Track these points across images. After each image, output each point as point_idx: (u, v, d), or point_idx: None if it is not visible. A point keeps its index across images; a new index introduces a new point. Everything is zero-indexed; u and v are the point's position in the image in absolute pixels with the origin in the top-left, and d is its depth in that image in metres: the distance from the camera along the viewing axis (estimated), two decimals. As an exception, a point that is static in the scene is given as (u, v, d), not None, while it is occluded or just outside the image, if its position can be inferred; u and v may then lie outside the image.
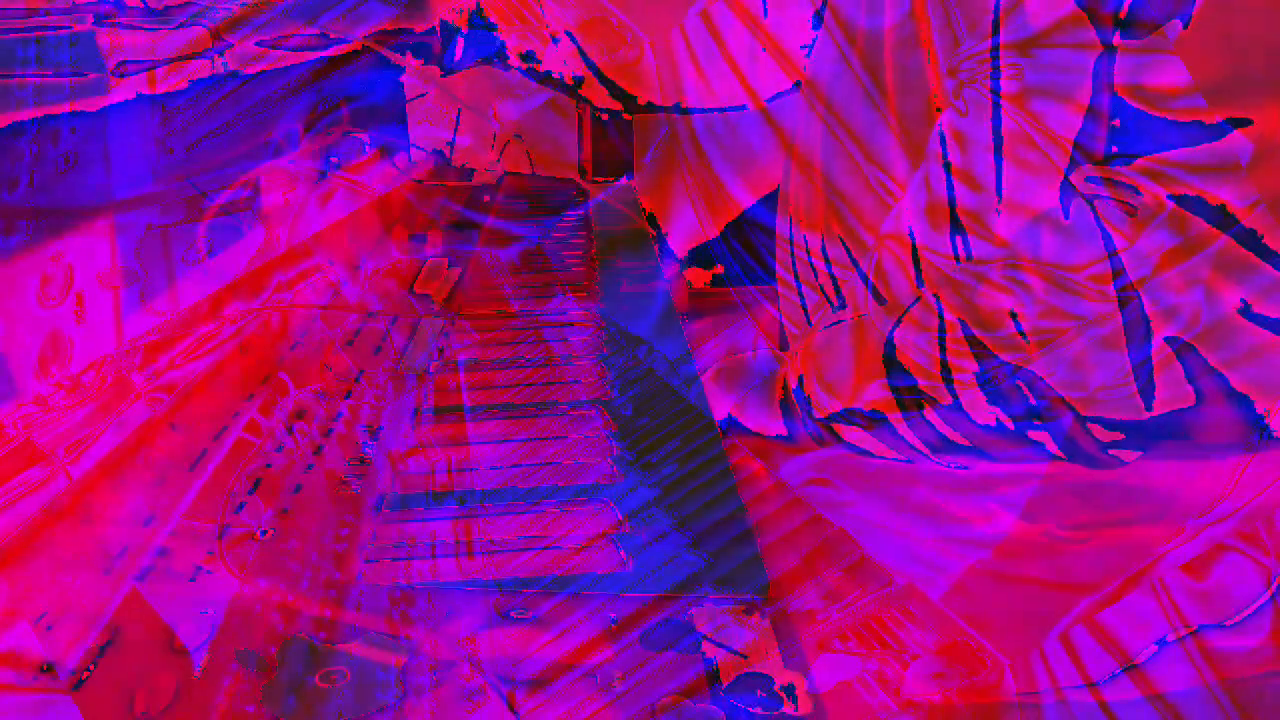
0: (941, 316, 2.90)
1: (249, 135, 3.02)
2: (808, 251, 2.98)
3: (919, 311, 2.91)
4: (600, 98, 3.02)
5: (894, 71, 2.92)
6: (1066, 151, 2.84)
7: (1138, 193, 2.82)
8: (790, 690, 2.91)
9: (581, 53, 3.00)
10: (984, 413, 2.89)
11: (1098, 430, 2.85)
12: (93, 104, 2.99)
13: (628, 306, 3.03)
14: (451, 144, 3.01)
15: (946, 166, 2.89)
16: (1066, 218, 2.85)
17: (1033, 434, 2.87)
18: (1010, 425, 2.88)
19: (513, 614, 2.93)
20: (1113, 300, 2.83)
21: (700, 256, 3.02)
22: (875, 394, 2.93)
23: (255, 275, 3.00)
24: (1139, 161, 2.81)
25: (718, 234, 3.01)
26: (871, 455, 2.94)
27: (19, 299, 2.97)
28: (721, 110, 2.99)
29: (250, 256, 3.00)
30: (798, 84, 2.96)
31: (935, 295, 2.90)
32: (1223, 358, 2.79)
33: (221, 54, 3.00)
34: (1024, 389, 2.87)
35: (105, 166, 2.99)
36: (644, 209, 3.02)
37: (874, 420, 2.93)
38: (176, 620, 2.88)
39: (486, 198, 3.03)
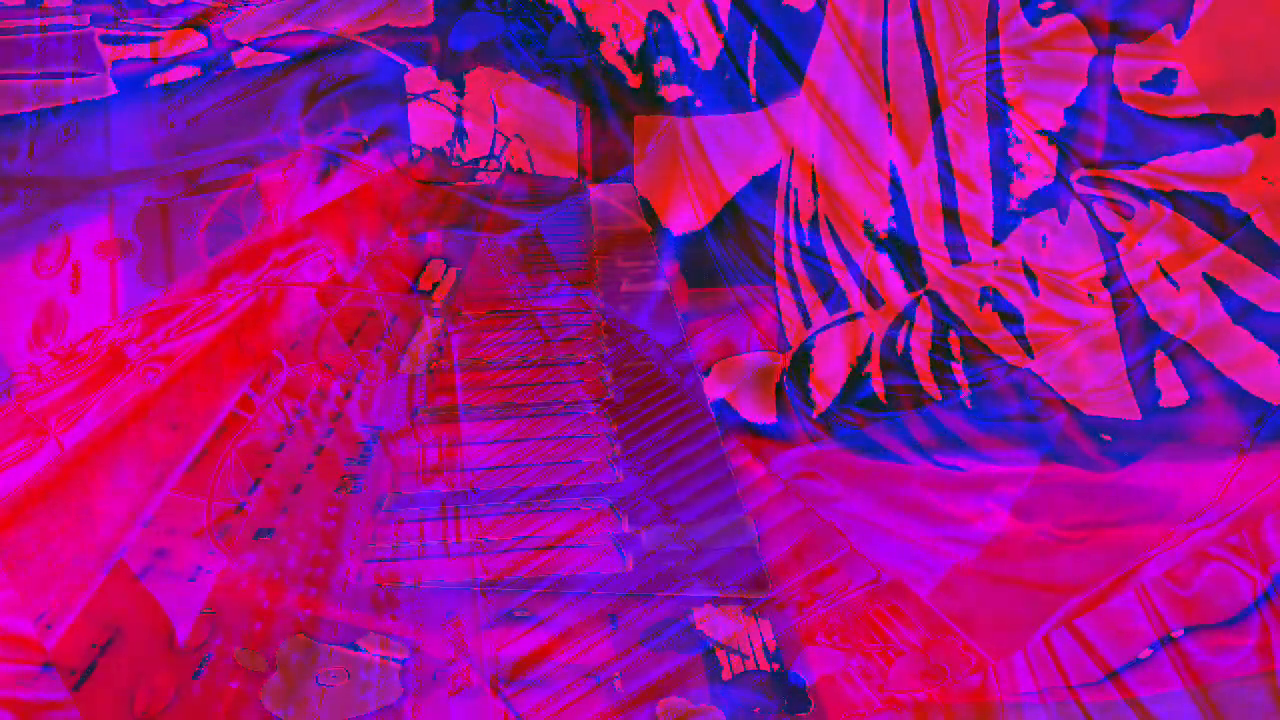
0: (937, 317, 2.90)
1: (249, 111, 3.02)
2: (805, 250, 2.98)
3: (914, 312, 2.91)
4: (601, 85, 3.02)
5: (894, 72, 2.92)
6: (1064, 155, 2.85)
7: (1135, 197, 2.83)
8: (778, 683, 2.91)
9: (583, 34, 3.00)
10: (978, 413, 2.89)
11: (1093, 432, 2.86)
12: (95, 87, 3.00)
13: (627, 305, 3.02)
14: (451, 143, 3.01)
15: (945, 167, 2.90)
16: (1063, 221, 2.86)
17: (1027, 434, 2.88)
18: (1005, 425, 2.89)
19: (515, 614, 2.93)
20: (1108, 304, 2.84)
21: (699, 255, 3.02)
22: (869, 392, 2.93)
23: (252, 251, 3.00)
24: (1137, 166, 2.82)
25: (716, 230, 3.01)
26: (864, 452, 2.94)
27: (15, 268, 2.96)
28: (723, 111, 3.00)
29: (248, 231, 3.00)
30: (798, 83, 2.96)
31: (931, 296, 2.90)
32: (1219, 362, 2.80)
33: (223, 35, 3.00)
34: (1019, 390, 2.88)
35: (105, 139, 2.99)
36: (644, 206, 3.02)
37: (867, 419, 2.94)
38: (177, 619, 2.88)
39: (486, 186, 3.03)
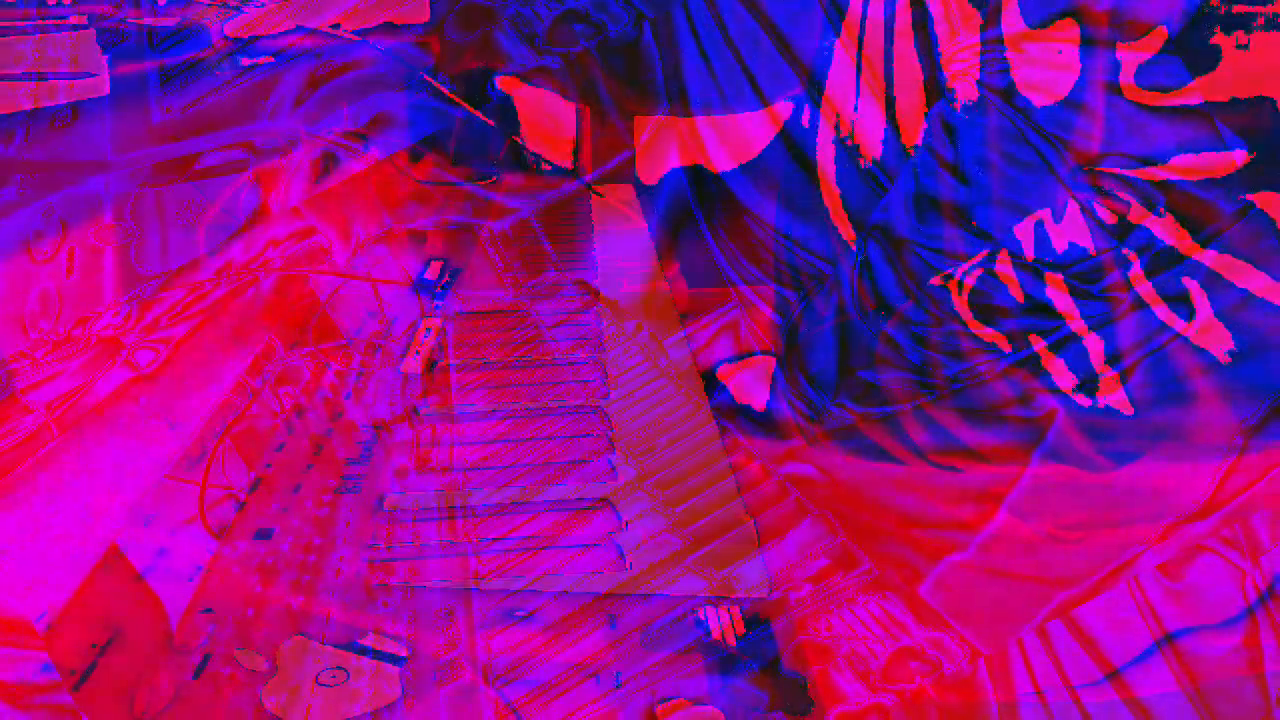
0: (929, 311, 2.90)
1: (247, 97, 3.02)
2: (801, 245, 2.98)
3: (906, 307, 2.92)
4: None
5: (890, 63, 2.93)
6: (1057, 148, 2.85)
7: (1129, 190, 2.83)
8: (772, 676, 2.91)
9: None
10: (971, 409, 2.90)
11: (1088, 429, 2.86)
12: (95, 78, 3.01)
13: (627, 305, 3.03)
14: (451, 136, 3.02)
15: (936, 159, 2.90)
16: (1056, 215, 2.86)
17: (1022, 431, 2.88)
18: (1000, 423, 2.89)
19: (511, 611, 2.94)
20: (1101, 298, 2.84)
21: (698, 254, 3.03)
22: (861, 388, 2.94)
23: (248, 236, 3.00)
24: (1131, 160, 2.82)
25: (711, 224, 3.01)
26: (857, 446, 2.95)
27: (11, 252, 2.97)
28: (722, 101, 3.01)
29: (244, 218, 3.01)
30: (796, 73, 2.97)
31: (922, 290, 2.91)
32: (1213, 358, 2.81)
33: (221, 29, 3.01)
34: (1012, 386, 2.88)
35: (102, 123, 2.99)
36: (643, 205, 3.03)
37: (860, 414, 2.94)
38: (177, 619, 2.89)
39: (484, 175, 3.04)
